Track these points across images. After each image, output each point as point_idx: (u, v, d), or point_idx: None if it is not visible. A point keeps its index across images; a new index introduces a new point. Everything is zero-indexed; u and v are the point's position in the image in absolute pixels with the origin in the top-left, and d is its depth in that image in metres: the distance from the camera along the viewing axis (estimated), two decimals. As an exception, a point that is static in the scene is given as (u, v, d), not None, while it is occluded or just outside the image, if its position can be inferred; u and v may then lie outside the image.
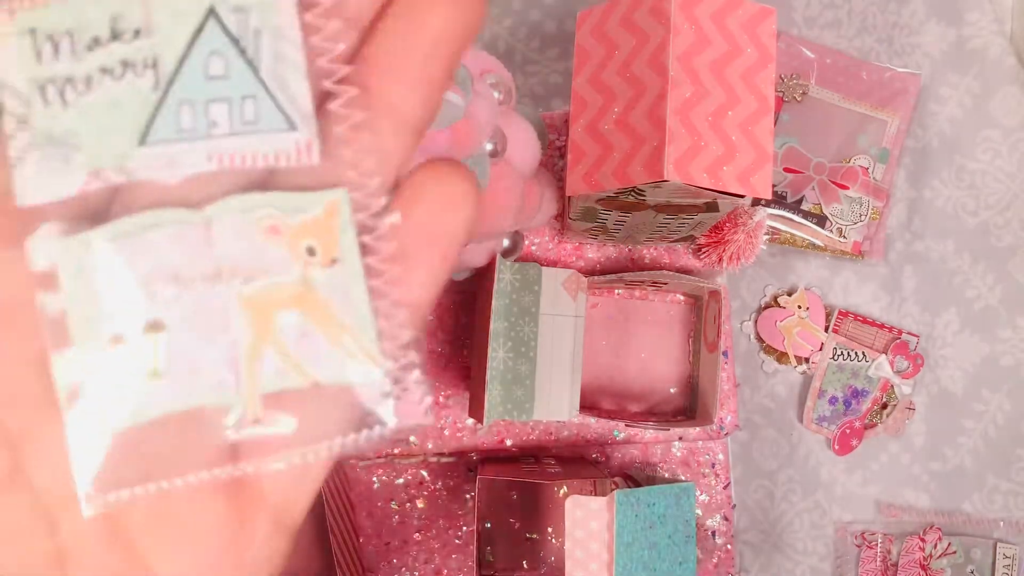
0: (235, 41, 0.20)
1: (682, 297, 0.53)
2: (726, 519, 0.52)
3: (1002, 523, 0.53)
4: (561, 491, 0.49)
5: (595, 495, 0.42)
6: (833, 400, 0.54)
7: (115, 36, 0.20)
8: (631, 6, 0.38)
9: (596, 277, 0.49)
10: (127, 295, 0.20)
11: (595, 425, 0.50)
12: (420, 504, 0.50)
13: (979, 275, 0.55)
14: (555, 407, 0.46)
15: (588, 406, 0.51)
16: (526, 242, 0.51)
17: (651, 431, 0.51)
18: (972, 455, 0.55)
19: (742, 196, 0.38)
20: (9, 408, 0.20)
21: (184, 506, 0.21)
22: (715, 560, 0.51)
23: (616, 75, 0.39)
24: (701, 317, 0.52)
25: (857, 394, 0.54)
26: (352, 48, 0.21)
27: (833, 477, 0.55)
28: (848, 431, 0.54)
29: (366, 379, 0.20)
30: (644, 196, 0.40)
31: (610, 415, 0.51)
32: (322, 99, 0.20)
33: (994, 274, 0.55)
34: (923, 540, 0.52)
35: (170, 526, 0.21)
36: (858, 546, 0.53)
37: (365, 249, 0.20)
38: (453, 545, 0.50)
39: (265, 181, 0.21)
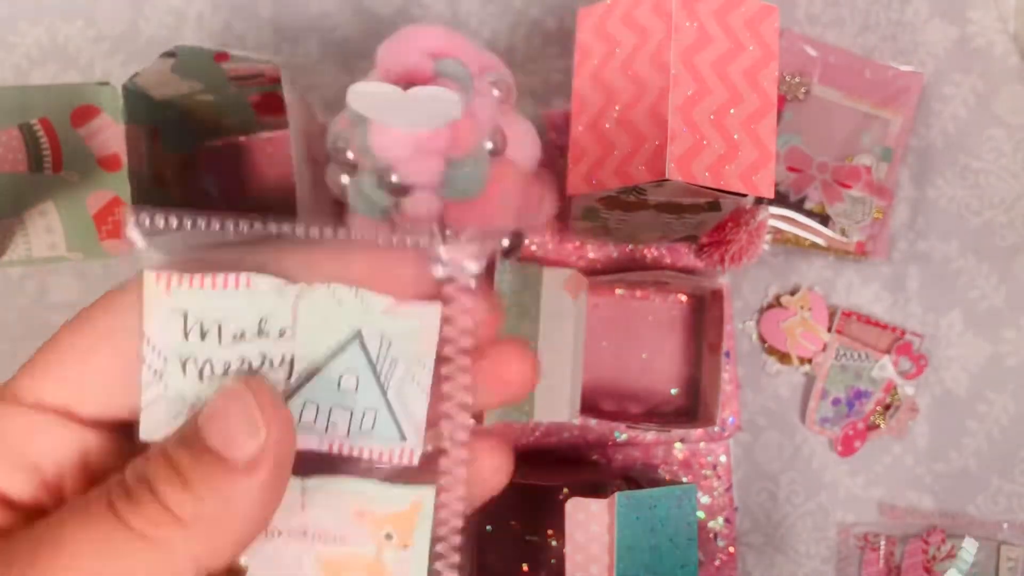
0: (372, 365, 0.22)
1: (684, 297, 0.53)
2: (728, 521, 0.51)
3: (1006, 525, 0.53)
4: (561, 493, 0.48)
5: (596, 497, 0.42)
6: (836, 401, 0.54)
7: (260, 334, 0.21)
8: (633, 3, 0.38)
9: (597, 277, 0.49)
10: None
11: (596, 426, 0.50)
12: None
13: (983, 275, 0.55)
14: (556, 408, 0.46)
15: (589, 407, 0.51)
16: (526, 242, 0.51)
17: (652, 432, 0.50)
18: (976, 456, 0.55)
19: (744, 195, 0.38)
20: None
21: None
22: (717, 563, 0.51)
23: (617, 73, 0.38)
24: (703, 317, 0.52)
25: (860, 395, 0.54)
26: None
27: (836, 479, 0.54)
28: (851, 432, 0.54)
29: None
30: (645, 195, 0.39)
31: (611, 416, 0.51)
32: (434, 419, 0.23)
33: (998, 274, 0.55)
34: (926, 542, 0.52)
35: None
36: (861, 548, 0.53)
37: (436, 539, 0.23)
38: (453, 547, 0.49)
39: (364, 469, 0.23)
